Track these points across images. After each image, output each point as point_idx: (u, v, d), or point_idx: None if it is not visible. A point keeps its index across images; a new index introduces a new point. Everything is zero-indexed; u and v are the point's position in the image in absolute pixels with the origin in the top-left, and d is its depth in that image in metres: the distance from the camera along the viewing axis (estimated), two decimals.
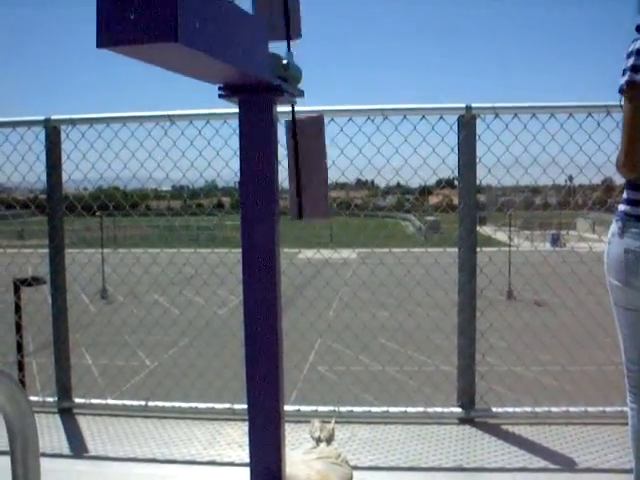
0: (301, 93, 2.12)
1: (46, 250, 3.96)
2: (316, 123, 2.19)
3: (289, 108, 2.14)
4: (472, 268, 3.55)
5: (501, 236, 16.94)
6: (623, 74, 2.15)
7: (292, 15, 2.03)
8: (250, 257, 2.02)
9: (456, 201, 3.60)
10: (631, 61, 2.12)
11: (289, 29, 2.02)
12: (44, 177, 3.89)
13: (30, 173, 3.99)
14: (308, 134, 2.16)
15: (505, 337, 4.82)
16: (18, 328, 4.26)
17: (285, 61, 1.97)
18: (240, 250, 2.03)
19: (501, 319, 4.24)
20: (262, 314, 2.04)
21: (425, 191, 5.01)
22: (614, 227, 2.30)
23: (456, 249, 3.63)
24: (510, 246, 12.90)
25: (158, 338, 5.92)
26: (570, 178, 4.51)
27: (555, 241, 28.26)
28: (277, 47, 1.98)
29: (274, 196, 2.00)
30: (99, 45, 1.30)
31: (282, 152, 2.12)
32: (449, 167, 3.64)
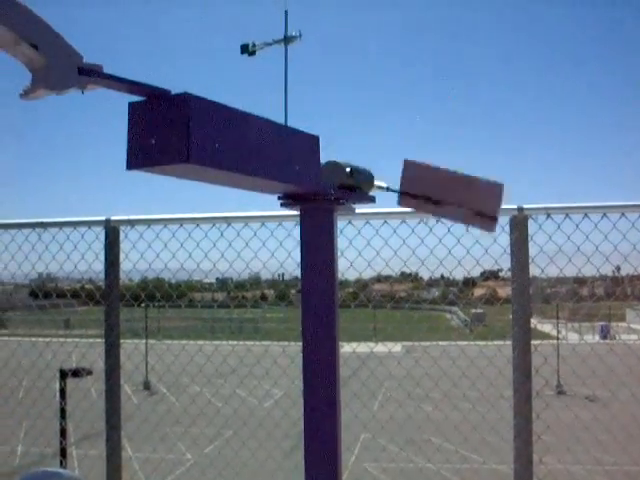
0: (370, 199, 2.13)
1: (91, 340, 4.01)
2: None
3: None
4: (527, 369, 3.48)
5: (547, 328, 16.64)
6: None
7: None
8: (311, 362, 2.03)
9: (500, 293, 3.58)
10: None
11: None
12: (102, 275, 4.00)
13: (88, 271, 4.12)
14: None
15: (560, 435, 4.68)
16: (63, 415, 4.29)
17: (348, 169, 2.01)
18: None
19: (555, 417, 4.13)
20: (322, 411, 2.02)
21: (470, 283, 5.00)
22: None
23: (501, 342, 3.58)
24: (558, 339, 12.66)
25: (200, 430, 5.85)
26: (618, 268, 4.48)
27: (605, 334, 27.36)
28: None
29: (334, 301, 2.03)
30: (128, 167, 1.46)
31: None
32: (493, 257, 3.64)
